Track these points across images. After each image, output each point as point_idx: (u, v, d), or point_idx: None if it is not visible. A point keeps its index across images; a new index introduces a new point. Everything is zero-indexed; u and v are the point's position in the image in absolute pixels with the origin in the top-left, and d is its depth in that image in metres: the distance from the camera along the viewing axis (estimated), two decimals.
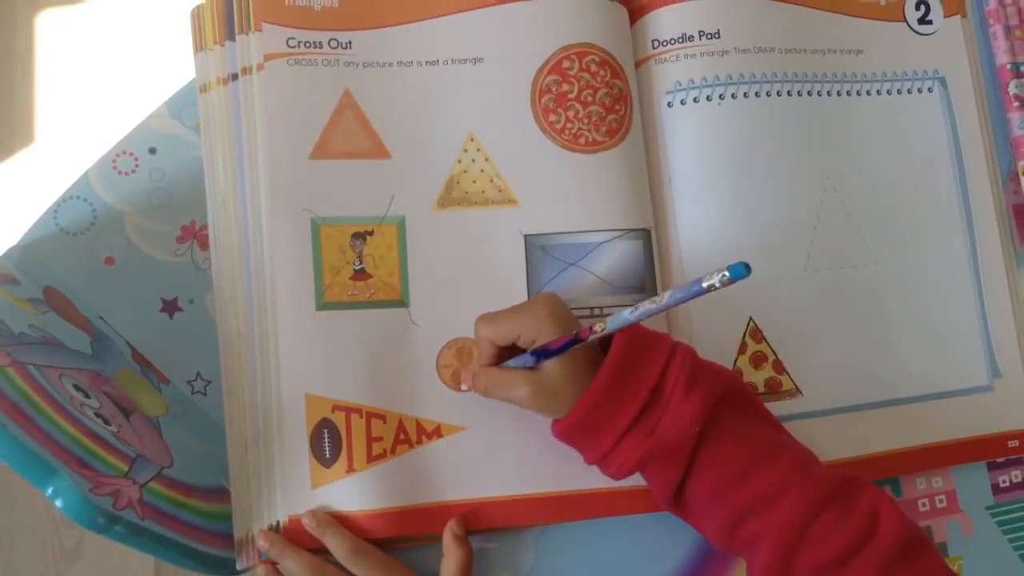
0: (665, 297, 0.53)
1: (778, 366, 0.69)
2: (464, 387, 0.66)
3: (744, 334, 0.69)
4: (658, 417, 0.58)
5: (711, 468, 0.58)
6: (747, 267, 0.47)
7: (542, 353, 0.59)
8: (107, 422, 0.59)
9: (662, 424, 0.58)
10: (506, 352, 0.63)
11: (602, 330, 0.57)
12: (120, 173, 0.72)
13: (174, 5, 0.70)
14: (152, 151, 0.72)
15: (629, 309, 0.55)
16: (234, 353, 0.65)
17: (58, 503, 0.50)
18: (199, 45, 0.69)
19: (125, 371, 0.67)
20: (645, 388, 0.58)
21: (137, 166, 0.72)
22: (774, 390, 0.69)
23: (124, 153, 0.72)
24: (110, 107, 1.51)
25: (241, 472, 0.64)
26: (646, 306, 0.54)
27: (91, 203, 0.71)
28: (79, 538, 1.39)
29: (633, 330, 0.59)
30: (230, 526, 0.64)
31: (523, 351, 0.61)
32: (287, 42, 0.68)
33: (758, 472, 0.57)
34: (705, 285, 0.49)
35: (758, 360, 0.69)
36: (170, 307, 0.70)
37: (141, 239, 0.71)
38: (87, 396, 0.59)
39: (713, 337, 0.69)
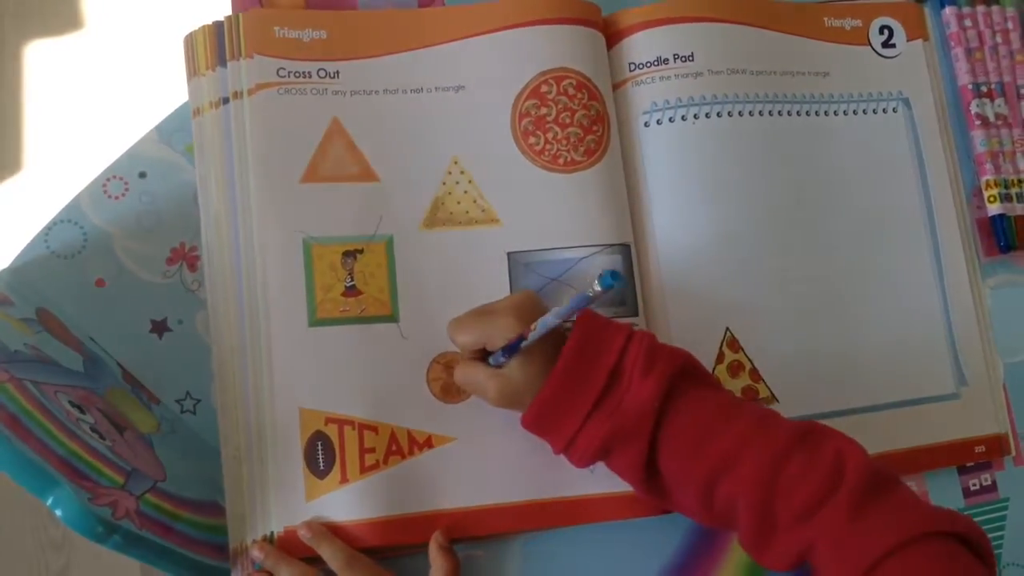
0: (560, 310, 0.60)
1: (755, 375, 0.71)
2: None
3: (721, 344, 0.71)
4: (620, 397, 0.60)
5: (675, 439, 0.59)
6: (613, 276, 0.57)
7: (512, 348, 0.62)
8: (102, 437, 0.60)
9: (624, 403, 0.60)
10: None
11: (533, 329, 0.60)
12: (110, 197, 0.73)
13: (163, 32, 0.71)
14: (142, 175, 0.73)
15: (552, 312, 0.60)
16: (228, 368, 0.67)
17: (58, 512, 0.51)
18: (192, 71, 0.71)
19: (116, 390, 0.68)
20: (604, 370, 0.60)
21: (127, 190, 0.73)
22: (751, 398, 0.71)
23: (114, 177, 0.73)
24: (100, 132, 1.52)
25: (236, 484, 0.65)
26: (549, 315, 0.60)
27: (82, 226, 0.72)
28: (66, 561, 1.38)
29: (592, 318, 0.62)
30: (224, 538, 0.65)
31: None
32: (277, 72, 0.71)
33: (719, 433, 0.59)
34: (590, 294, 0.58)
35: (735, 369, 0.71)
36: (159, 328, 0.71)
37: (131, 261, 0.72)
38: (82, 412, 0.60)
39: (692, 347, 0.69)
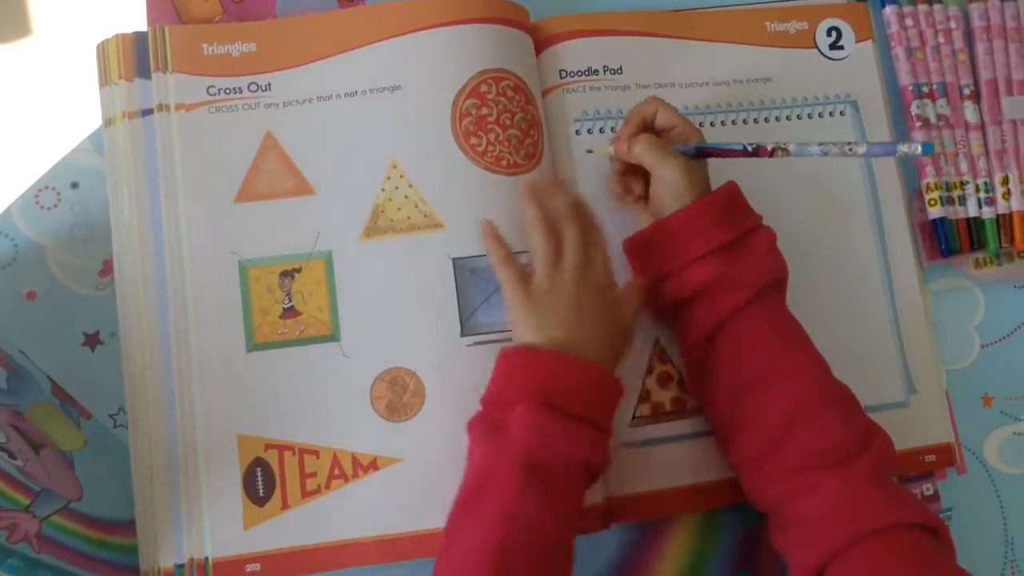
0: (859, 149, 0.62)
1: (683, 385, 0.70)
2: (613, 149, 0.69)
3: (651, 355, 0.70)
4: (744, 253, 0.64)
5: (755, 318, 0.63)
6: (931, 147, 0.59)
7: (707, 150, 0.66)
8: (12, 456, 0.59)
9: (744, 262, 0.63)
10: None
11: (784, 155, 0.63)
12: (42, 208, 0.72)
13: (95, 42, 0.71)
14: (74, 185, 0.73)
15: (818, 145, 0.62)
16: (139, 384, 0.66)
17: None
18: (104, 80, 0.70)
19: (42, 405, 0.67)
20: (743, 226, 0.64)
21: (59, 200, 0.72)
22: (680, 408, 0.70)
23: (47, 188, 0.73)
24: (32, 142, 1.51)
25: (147, 503, 0.64)
26: (833, 148, 0.61)
27: (12, 238, 0.72)
28: None
29: (738, 187, 0.67)
30: (136, 559, 0.64)
31: None
32: (207, 91, 0.69)
33: (789, 348, 0.63)
34: (900, 149, 0.60)
35: (664, 380, 0.70)
36: (92, 341, 0.71)
37: (63, 273, 0.72)
38: None
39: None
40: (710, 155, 0.66)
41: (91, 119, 0.73)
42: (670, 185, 0.65)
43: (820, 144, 0.61)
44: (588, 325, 0.61)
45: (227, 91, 0.70)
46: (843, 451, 0.58)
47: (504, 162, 0.70)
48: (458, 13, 0.71)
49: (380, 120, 0.70)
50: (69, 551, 0.57)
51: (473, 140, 0.70)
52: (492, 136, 0.70)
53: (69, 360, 0.70)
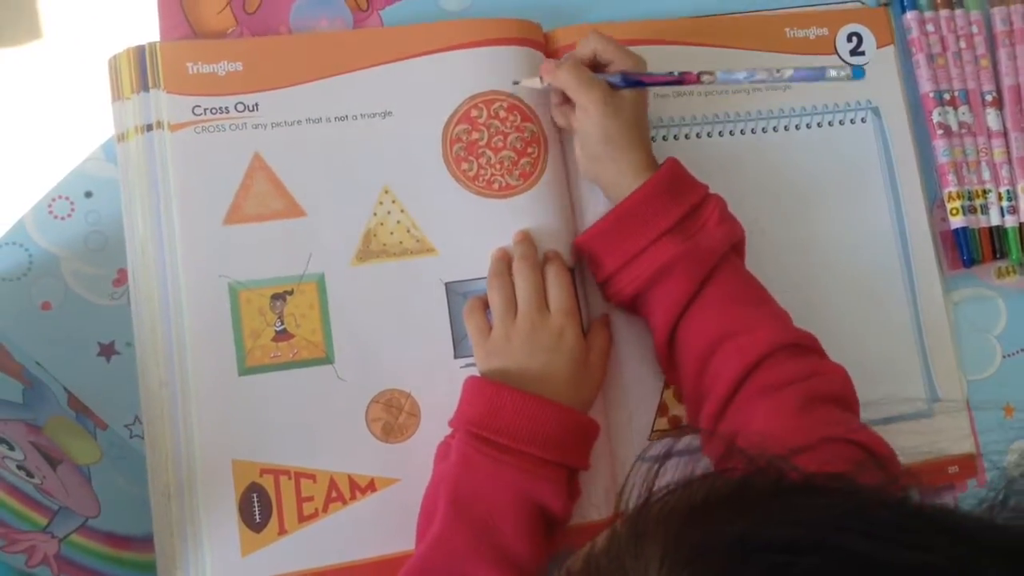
0: (786, 73, 0.63)
1: None
2: (543, 77, 0.69)
3: None
4: (695, 230, 0.64)
5: (719, 285, 0.64)
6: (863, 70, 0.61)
7: (635, 80, 0.65)
8: (30, 475, 0.59)
9: (698, 236, 0.64)
10: None
11: (710, 81, 0.63)
12: (56, 217, 0.72)
13: (108, 50, 0.70)
14: (88, 195, 0.72)
15: (745, 72, 0.63)
16: (155, 401, 0.65)
17: None
18: (116, 94, 0.69)
19: (58, 418, 0.67)
20: (689, 202, 0.65)
21: (73, 210, 0.72)
22: None
23: (60, 197, 0.72)
24: (45, 151, 1.50)
25: (164, 521, 0.64)
26: (761, 75, 0.62)
27: (27, 248, 0.71)
28: None
29: (679, 162, 0.67)
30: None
31: None
32: (193, 110, 0.68)
33: (750, 305, 0.65)
34: (829, 74, 0.61)
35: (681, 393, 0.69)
36: (107, 351, 0.70)
37: (78, 283, 0.71)
38: (11, 448, 0.59)
39: (642, 369, 0.70)
40: (636, 84, 0.65)
41: (103, 127, 0.72)
42: (586, 113, 0.65)
43: (747, 71, 0.62)
44: (543, 368, 0.63)
45: (213, 111, 0.68)
46: (780, 382, 0.60)
47: (496, 185, 0.70)
48: (462, 37, 0.71)
49: (372, 146, 0.70)
50: (88, 571, 0.57)
51: (464, 166, 0.70)
52: (483, 160, 0.70)
53: (85, 370, 0.70)
